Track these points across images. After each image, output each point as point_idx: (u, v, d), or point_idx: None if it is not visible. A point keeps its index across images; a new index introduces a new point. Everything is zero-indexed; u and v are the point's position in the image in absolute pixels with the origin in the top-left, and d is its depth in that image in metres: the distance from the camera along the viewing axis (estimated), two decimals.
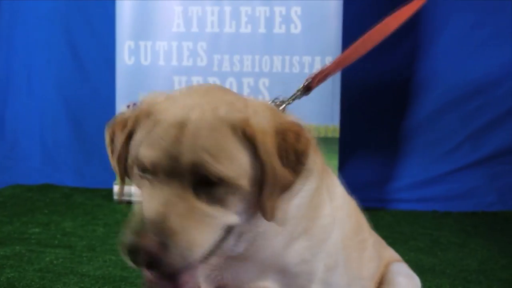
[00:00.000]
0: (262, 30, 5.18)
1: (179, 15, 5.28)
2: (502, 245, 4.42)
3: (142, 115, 1.52)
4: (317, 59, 5.08)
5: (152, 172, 1.44)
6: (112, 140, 1.62)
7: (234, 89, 5.21)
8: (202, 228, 1.42)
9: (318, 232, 1.76)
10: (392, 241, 4.38)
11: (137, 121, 1.53)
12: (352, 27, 5.33)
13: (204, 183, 1.42)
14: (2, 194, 5.50)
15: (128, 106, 5.38)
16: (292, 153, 1.50)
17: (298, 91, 2.12)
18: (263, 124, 1.47)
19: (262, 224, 1.61)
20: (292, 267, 1.73)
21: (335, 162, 5.11)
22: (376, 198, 5.55)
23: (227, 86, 5.25)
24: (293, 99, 2.09)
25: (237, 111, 1.48)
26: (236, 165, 1.43)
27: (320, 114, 5.13)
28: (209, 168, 1.40)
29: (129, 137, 1.55)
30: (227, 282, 1.74)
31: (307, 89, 2.10)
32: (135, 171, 1.50)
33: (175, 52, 5.33)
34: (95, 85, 6.08)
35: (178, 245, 1.37)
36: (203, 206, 1.42)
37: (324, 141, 5.13)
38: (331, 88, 5.05)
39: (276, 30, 5.15)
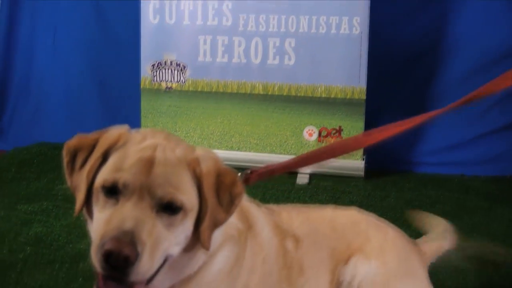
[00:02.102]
0: None
1: None
2: None
3: (116, 143, 1.71)
4: (345, 19, 4.99)
5: (121, 192, 1.60)
6: (72, 160, 1.77)
7: (260, 50, 5.19)
8: (158, 249, 1.57)
9: None
10: (418, 204, 4.38)
11: (111, 146, 1.71)
12: None
13: (165, 209, 1.60)
14: (29, 151, 5.56)
15: (153, 66, 5.37)
16: (227, 194, 1.73)
17: None
18: (208, 166, 1.71)
19: (193, 262, 1.76)
20: None
21: (361, 124, 5.07)
22: (403, 161, 5.50)
23: (253, 46, 5.21)
24: None
25: (189, 153, 1.72)
26: (191, 196, 1.66)
27: (347, 75, 5.07)
28: (175, 197, 1.60)
29: (103, 157, 1.71)
30: None
31: (245, 180, 2.20)
32: (99, 193, 1.64)
33: (200, 11, 5.26)
34: (120, 45, 6.05)
35: (148, 258, 1.52)
36: (162, 229, 1.59)
37: (350, 103, 5.09)
38: (359, 50, 4.98)
39: None
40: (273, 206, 2.35)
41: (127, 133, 1.75)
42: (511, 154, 5.40)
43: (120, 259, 1.47)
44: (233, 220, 1.92)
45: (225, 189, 1.72)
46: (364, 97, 5.06)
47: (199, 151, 1.75)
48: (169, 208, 1.60)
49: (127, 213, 1.55)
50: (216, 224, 1.71)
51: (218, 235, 1.81)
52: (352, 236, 2.30)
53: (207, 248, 1.68)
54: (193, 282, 1.78)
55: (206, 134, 5.35)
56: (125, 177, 1.60)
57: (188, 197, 1.64)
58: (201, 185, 1.68)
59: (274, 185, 4.70)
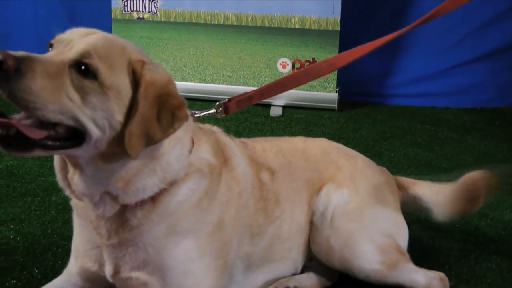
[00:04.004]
0: None
1: None
2: (499, 140, 4.44)
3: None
4: None
5: (53, 46, 1.67)
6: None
7: None
8: (54, 95, 1.53)
9: (207, 234, 1.89)
10: (390, 135, 4.42)
11: None
12: None
13: (79, 70, 1.58)
14: None
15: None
16: (169, 114, 1.68)
17: (214, 108, 2.27)
18: (154, 77, 1.67)
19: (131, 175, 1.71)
20: (177, 265, 1.82)
21: None
22: (375, 93, 5.52)
23: None
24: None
25: (139, 55, 1.71)
26: (114, 77, 1.62)
27: (321, 6, 5.01)
28: (91, 60, 1.59)
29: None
30: (110, 265, 1.85)
31: (225, 110, 2.23)
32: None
33: None
34: None
35: (30, 80, 1.50)
36: (67, 83, 1.56)
37: (324, 34, 5.04)
38: None
39: None
40: (247, 140, 2.36)
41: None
42: (482, 86, 5.44)
43: None
44: (205, 156, 1.92)
45: (169, 108, 1.68)
46: (338, 28, 5.02)
47: (157, 64, 1.75)
48: (82, 70, 1.58)
49: (42, 55, 1.59)
50: (149, 138, 1.65)
51: (178, 166, 1.80)
52: (324, 166, 2.33)
53: (130, 154, 1.61)
54: (155, 211, 1.78)
55: (178, 66, 5.29)
56: (63, 35, 1.68)
57: (109, 73, 1.60)
58: (138, 87, 1.64)
59: (248, 117, 4.70)
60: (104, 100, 1.59)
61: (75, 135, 1.60)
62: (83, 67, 1.58)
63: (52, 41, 1.68)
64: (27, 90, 1.49)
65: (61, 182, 1.78)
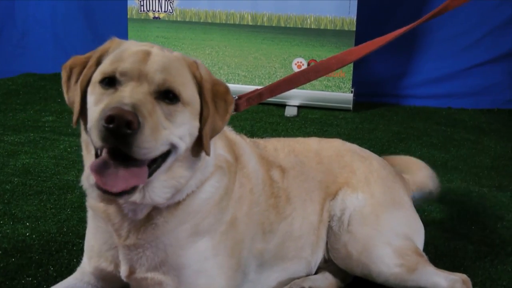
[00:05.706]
0: None
1: None
2: None
3: (109, 49, 1.75)
4: None
5: (119, 82, 1.63)
6: (69, 78, 1.78)
7: None
8: (159, 130, 1.58)
9: (221, 232, 1.90)
10: (405, 136, 4.40)
11: (104, 53, 1.75)
12: None
13: (164, 98, 1.63)
14: (15, 82, 5.49)
15: None
16: (223, 102, 1.79)
17: None
18: (205, 73, 1.77)
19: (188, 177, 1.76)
20: (191, 264, 1.83)
21: None
22: (391, 94, 5.50)
23: None
24: None
25: (187, 57, 1.78)
26: (189, 90, 1.70)
27: (337, 6, 5.00)
28: (172, 85, 1.64)
29: (97, 65, 1.74)
30: (125, 266, 1.85)
31: (235, 107, 2.21)
32: (96, 88, 1.66)
33: None
34: None
35: (149, 132, 1.53)
36: (161, 115, 1.61)
37: (340, 34, 5.03)
38: None
39: None
40: (258, 140, 2.36)
41: (118, 40, 1.78)
42: (499, 87, 5.41)
43: (122, 123, 1.46)
44: (222, 153, 1.94)
45: (221, 97, 1.77)
46: (354, 28, 5.01)
47: (195, 59, 1.81)
48: (167, 97, 1.63)
49: (126, 93, 1.57)
50: (214, 131, 1.75)
51: (211, 163, 1.85)
52: (338, 169, 2.32)
53: (207, 152, 1.72)
54: (180, 208, 1.80)
55: None
56: (123, 65, 1.63)
57: (186, 90, 1.67)
58: (202, 89, 1.73)
59: (263, 117, 4.69)
60: (187, 115, 1.67)
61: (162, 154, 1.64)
62: (170, 95, 1.63)
63: (115, 75, 1.64)
64: (148, 140, 1.53)
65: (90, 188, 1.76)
